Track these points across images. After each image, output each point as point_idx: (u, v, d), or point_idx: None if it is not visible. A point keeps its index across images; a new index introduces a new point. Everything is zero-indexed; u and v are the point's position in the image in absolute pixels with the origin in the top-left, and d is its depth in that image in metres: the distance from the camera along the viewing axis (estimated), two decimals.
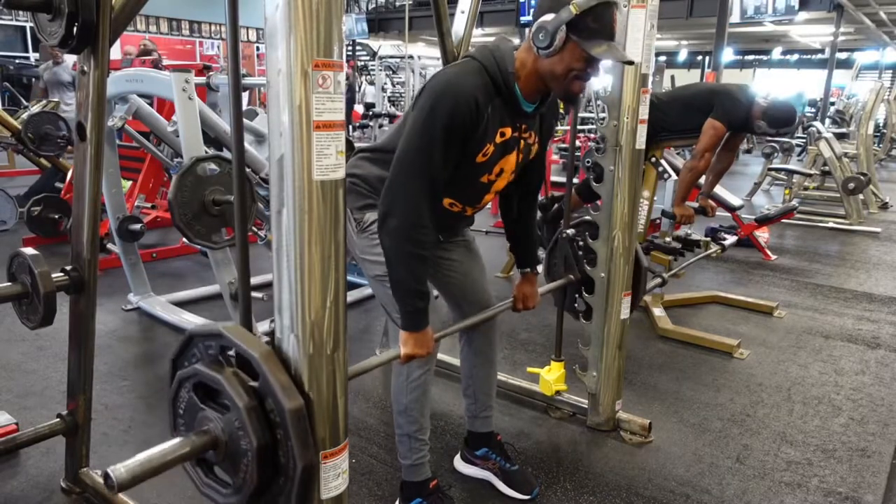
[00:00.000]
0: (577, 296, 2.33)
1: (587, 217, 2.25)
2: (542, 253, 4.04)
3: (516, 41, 1.73)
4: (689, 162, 3.40)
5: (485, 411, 2.03)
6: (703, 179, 3.70)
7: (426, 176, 1.48)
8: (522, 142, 1.66)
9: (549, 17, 1.45)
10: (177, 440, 1.13)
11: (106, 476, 1.00)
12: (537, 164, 1.82)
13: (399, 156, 1.50)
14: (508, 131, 1.60)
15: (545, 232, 3.60)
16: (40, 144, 4.51)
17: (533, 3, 3.39)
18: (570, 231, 2.27)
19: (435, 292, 1.90)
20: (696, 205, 3.70)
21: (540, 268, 2.08)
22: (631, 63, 1.64)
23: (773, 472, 2.12)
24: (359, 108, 11.33)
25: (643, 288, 2.40)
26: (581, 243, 2.27)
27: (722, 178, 3.80)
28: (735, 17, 11.04)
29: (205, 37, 14.94)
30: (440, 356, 2.39)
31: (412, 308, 1.54)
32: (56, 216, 4.57)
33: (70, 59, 6.92)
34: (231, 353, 1.13)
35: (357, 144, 3.62)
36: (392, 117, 9.29)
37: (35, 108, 4.88)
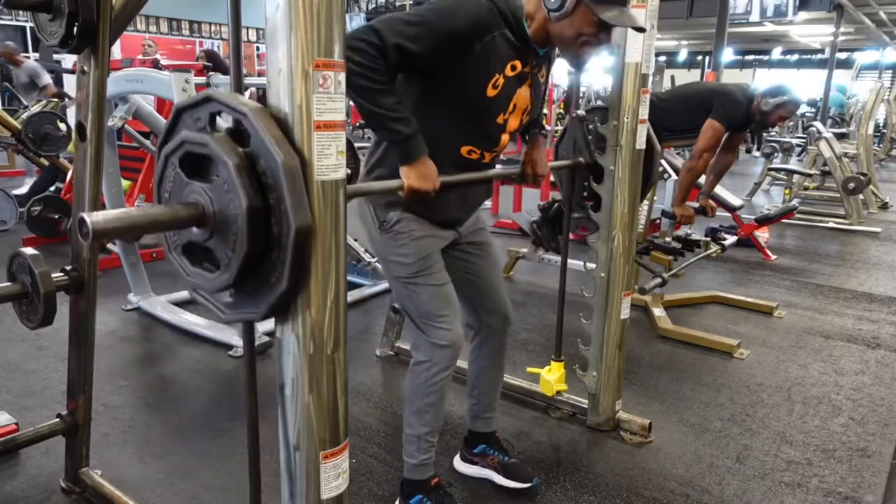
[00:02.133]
0: (585, 184, 2.25)
1: (599, 103, 2.20)
2: (542, 253, 4.07)
3: None
4: (687, 162, 3.40)
5: (487, 412, 2.03)
6: (702, 179, 3.71)
7: (396, 32, 1.39)
8: (532, 77, 1.63)
9: None
10: (162, 206, 1.05)
11: (81, 221, 0.92)
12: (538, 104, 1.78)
13: (389, 16, 1.44)
14: (519, 65, 1.57)
15: (545, 232, 3.60)
16: (40, 144, 4.51)
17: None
18: (581, 112, 2.21)
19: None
20: (696, 205, 3.70)
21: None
22: (642, 30, 1.60)
23: (773, 472, 2.12)
24: None
25: (656, 171, 2.31)
26: (591, 127, 2.20)
27: (722, 178, 3.80)
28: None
29: (205, 37, 14.94)
30: None
31: (400, 135, 1.44)
32: (56, 216, 4.57)
33: (30, 61, 6.92)
34: (221, 119, 1.05)
35: (357, 144, 3.62)
36: None
37: (35, 108, 4.87)
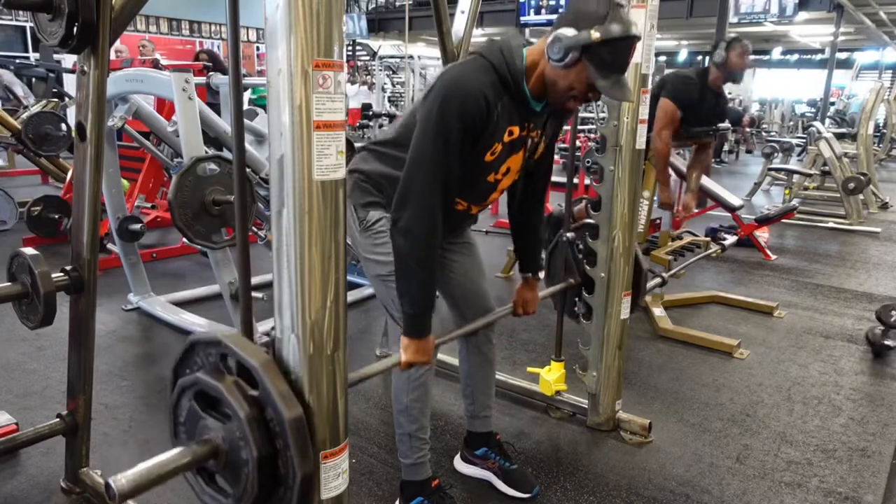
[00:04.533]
0: (577, 299, 2.33)
1: (587, 220, 2.25)
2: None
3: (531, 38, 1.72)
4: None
5: (484, 411, 2.03)
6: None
7: (439, 179, 1.47)
8: (529, 140, 1.65)
9: (569, 31, 1.42)
10: (178, 450, 1.12)
11: (107, 486, 1.00)
12: (544, 165, 1.82)
13: (412, 159, 1.49)
14: (517, 130, 1.59)
15: (546, 234, 3.61)
16: (41, 145, 4.50)
17: (533, 2, 3.40)
18: (570, 234, 2.27)
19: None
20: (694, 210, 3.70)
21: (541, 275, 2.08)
22: (630, 101, 1.66)
23: (773, 472, 2.12)
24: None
25: (643, 289, 2.40)
26: (581, 246, 2.27)
27: (707, 175, 3.78)
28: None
29: (205, 37, 14.93)
30: (440, 356, 2.39)
31: (416, 313, 1.53)
32: (56, 216, 4.57)
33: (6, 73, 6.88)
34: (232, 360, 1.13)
35: (357, 144, 3.60)
36: (392, 117, 9.28)
37: (35, 108, 4.87)
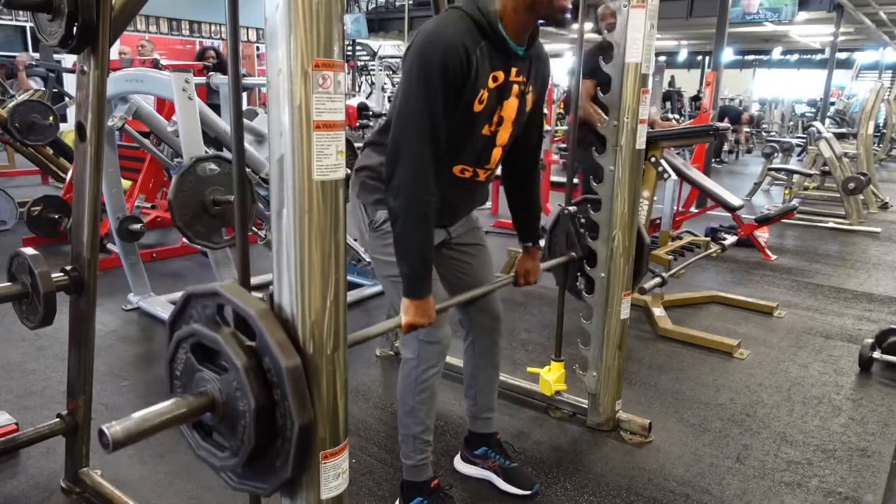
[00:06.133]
0: (578, 274, 2.30)
1: (589, 196, 2.24)
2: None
3: None
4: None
5: (486, 413, 2.03)
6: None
7: (427, 131, 1.46)
8: (517, 86, 1.63)
9: None
10: (173, 400, 1.10)
11: (101, 433, 0.98)
12: (535, 119, 1.79)
13: (398, 116, 1.48)
14: (501, 75, 1.57)
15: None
16: (27, 134, 4.46)
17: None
18: (571, 208, 2.25)
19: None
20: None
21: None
22: None
23: (773, 472, 2.12)
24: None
25: (646, 261, 2.37)
26: (582, 220, 2.24)
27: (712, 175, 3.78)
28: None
29: (205, 37, 14.92)
30: None
31: (415, 272, 1.52)
32: (56, 216, 4.57)
33: None
34: (229, 312, 1.11)
35: (357, 144, 3.60)
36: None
37: (22, 97, 4.83)
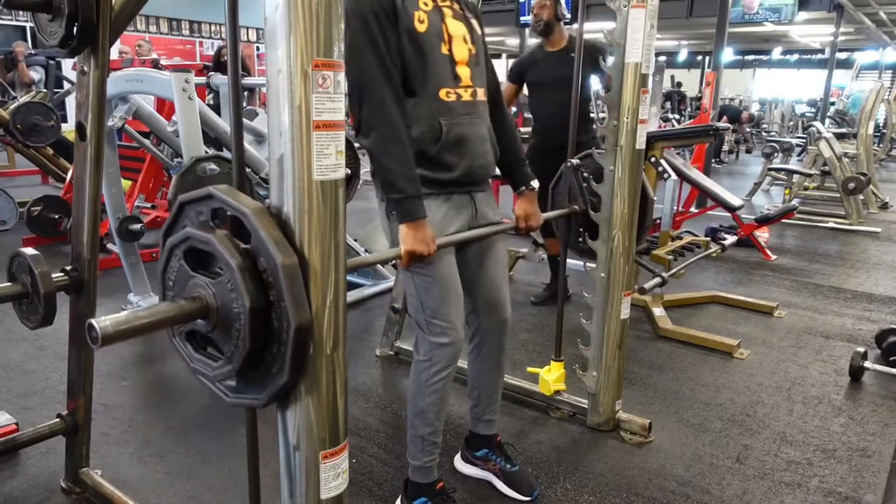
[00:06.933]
0: (581, 229, 2.27)
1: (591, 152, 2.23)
2: (541, 253, 4.07)
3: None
4: None
5: (488, 414, 2.02)
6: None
7: (377, 64, 1.52)
8: (448, 10, 1.67)
9: None
10: (167, 303, 1.09)
11: (90, 327, 0.95)
12: (486, 66, 1.81)
13: (348, 62, 1.48)
14: (430, 1, 1.63)
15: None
16: (29, 135, 4.46)
17: (533, 2, 3.42)
18: (575, 161, 2.22)
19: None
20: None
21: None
22: None
23: (773, 472, 2.12)
24: None
25: (649, 219, 2.34)
26: (586, 174, 2.21)
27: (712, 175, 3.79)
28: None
29: (205, 37, 14.93)
30: None
31: (405, 194, 1.52)
32: (56, 216, 4.56)
33: None
34: (224, 216, 1.09)
35: (357, 144, 3.60)
36: None
37: (24, 99, 4.83)
